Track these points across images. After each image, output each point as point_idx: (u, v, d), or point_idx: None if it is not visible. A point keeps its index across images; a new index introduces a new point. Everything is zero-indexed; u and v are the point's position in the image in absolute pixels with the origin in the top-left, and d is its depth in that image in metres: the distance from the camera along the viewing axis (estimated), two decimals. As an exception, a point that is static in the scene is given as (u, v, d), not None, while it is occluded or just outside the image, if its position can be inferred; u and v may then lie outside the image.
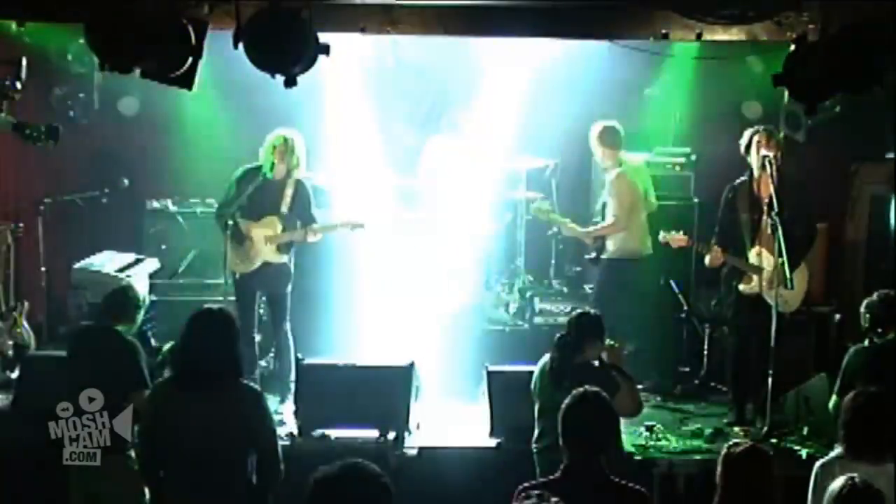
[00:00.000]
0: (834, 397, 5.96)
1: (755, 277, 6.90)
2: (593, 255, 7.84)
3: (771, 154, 6.76)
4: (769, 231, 6.67)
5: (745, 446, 4.07)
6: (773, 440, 6.45)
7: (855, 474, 3.78)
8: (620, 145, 7.63)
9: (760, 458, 4.03)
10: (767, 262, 6.81)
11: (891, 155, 8.22)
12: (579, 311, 5.83)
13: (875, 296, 6.12)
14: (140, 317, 5.86)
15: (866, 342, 6.11)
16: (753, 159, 6.87)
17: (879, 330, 6.02)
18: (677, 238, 7.12)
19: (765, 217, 6.80)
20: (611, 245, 7.63)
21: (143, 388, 5.32)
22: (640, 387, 6.24)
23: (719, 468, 4.04)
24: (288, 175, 7.10)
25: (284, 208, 7.11)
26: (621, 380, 5.43)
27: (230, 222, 6.99)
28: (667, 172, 8.53)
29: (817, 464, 4.54)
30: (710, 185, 8.12)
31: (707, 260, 7.02)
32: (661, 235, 7.19)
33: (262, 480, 4.36)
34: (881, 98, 6.66)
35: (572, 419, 4.07)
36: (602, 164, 7.77)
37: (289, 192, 7.10)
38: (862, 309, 6.15)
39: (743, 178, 7.00)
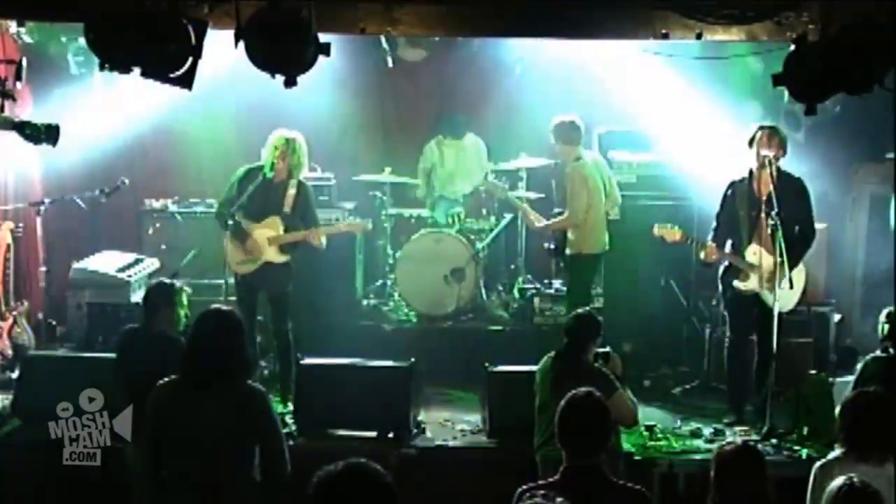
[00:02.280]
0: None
1: (752, 275, 6.88)
2: (552, 245, 7.89)
3: (771, 154, 6.74)
4: (768, 230, 6.65)
5: (736, 445, 4.08)
6: (773, 440, 6.46)
7: (854, 475, 3.78)
8: (577, 140, 7.61)
9: (752, 457, 4.04)
10: (764, 259, 6.79)
11: (891, 155, 8.22)
12: (575, 314, 5.87)
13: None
14: (184, 316, 5.84)
15: (879, 351, 6.15)
16: (754, 156, 6.87)
17: None
18: (671, 233, 7.08)
19: (763, 215, 6.78)
20: (571, 241, 7.64)
21: None
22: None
23: (712, 468, 4.05)
24: (289, 176, 7.10)
25: (287, 209, 7.11)
26: (619, 388, 5.49)
27: (230, 222, 7.00)
28: (667, 172, 8.53)
29: (816, 465, 4.54)
30: (709, 185, 8.12)
31: (701, 255, 7.00)
32: (656, 229, 7.12)
33: (266, 479, 4.36)
34: (881, 98, 6.68)
35: (569, 421, 4.07)
36: (560, 158, 7.81)
37: (291, 192, 7.11)
38: (882, 318, 6.19)
39: (743, 176, 6.98)
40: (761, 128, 6.91)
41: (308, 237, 7.14)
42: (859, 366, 6.11)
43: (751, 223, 6.88)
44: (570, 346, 5.64)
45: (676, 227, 7.10)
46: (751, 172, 6.92)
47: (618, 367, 5.69)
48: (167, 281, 5.92)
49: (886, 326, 6.12)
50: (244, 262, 7.13)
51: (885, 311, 6.18)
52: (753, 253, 6.88)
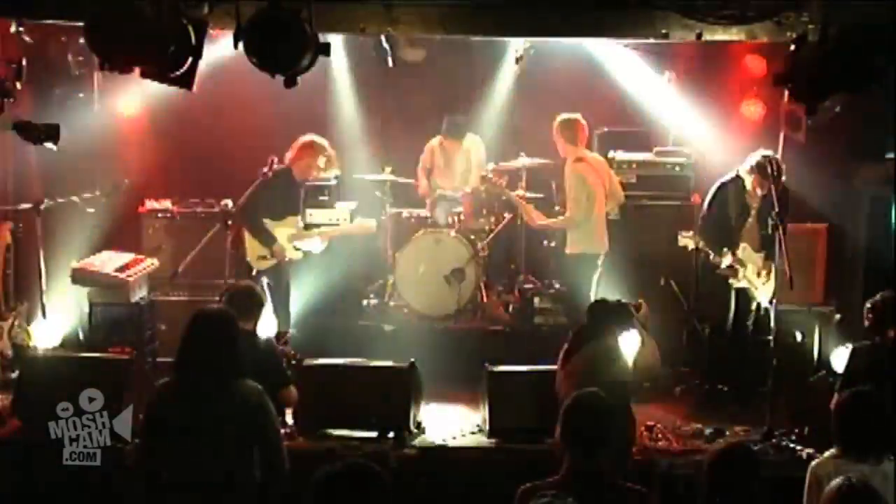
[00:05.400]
0: (836, 396, 5.97)
1: (742, 271, 7.21)
2: (553, 243, 8.12)
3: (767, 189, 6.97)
4: (769, 230, 6.77)
5: (729, 444, 4.08)
6: (773, 440, 6.45)
7: (852, 474, 3.78)
8: (581, 140, 7.72)
9: (745, 454, 4.04)
10: (751, 256, 7.20)
11: (891, 155, 8.22)
12: (602, 300, 6.04)
13: (878, 296, 6.17)
14: (260, 315, 6.02)
15: (867, 342, 6.14)
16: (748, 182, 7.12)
17: (883, 331, 6.06)
18: (692, 241, 7.35)
19: (751, 217, 7.16)
20: (569, 241, 7.74)
21: (289, 384, 5.86)
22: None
23: (705, 466, 4.05)
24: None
25: (301, 206, 7.78)
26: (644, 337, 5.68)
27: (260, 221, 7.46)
28: (667, 172, 8.54)
29: (812, 464, 4.55)
30: (710, 186, 8.12)
31: (723, 263, 7.24)
32: (680, 238, 7.38)
33: (266, 479, 4.36)
34: (881, 98, 6.69)
35: (571, 420, 4.07)
36: (563, 156, 7.88)
37: (301, 192, 7.73)
38: (865, 309, 6.19)
39: (732, 178, 7.21)
40: (760, 165, 7.01)
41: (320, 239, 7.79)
42: (846, 359, 6.14)
43: (740, 224, 7.25)
44: (586, 325, 5.77)
45: (691, 233, 7.41)
46: (742, 178, 7.17)
47: (647, 317, 5.81)
48: (257, 289, 6.21)
49: (871, 317, 6.15)
50: (265, 259, 7.55)
51: (868, 303, 6.21)
52: (744, 249, 7.23)
